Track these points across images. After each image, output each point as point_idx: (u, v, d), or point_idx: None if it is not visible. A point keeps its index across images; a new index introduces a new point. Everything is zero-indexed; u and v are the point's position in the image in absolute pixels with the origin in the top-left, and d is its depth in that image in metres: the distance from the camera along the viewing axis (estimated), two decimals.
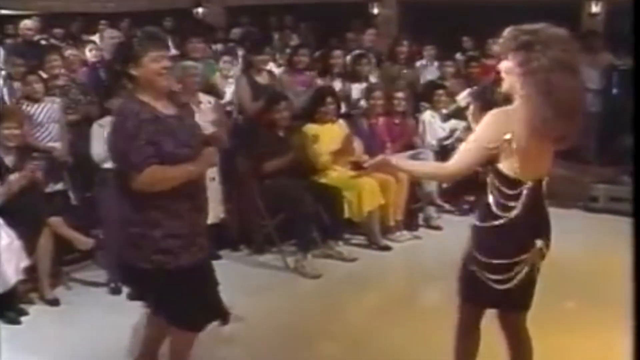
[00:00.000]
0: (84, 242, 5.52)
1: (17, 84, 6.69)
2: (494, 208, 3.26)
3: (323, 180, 6.58)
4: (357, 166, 6.88)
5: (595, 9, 11.28)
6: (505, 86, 3.24)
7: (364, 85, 7.61)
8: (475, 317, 3.50)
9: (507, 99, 3.26)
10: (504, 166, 3.22)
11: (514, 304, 3.43)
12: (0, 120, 5.48)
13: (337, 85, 7.52)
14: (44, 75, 6.62)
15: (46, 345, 4.82)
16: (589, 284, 5.70)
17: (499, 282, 3.28)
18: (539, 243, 3.36)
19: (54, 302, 5.40)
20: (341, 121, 6.93)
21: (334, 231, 6.57)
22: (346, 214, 6.48)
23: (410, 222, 7.13)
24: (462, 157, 3.27)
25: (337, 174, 6.61)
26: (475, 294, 3.41)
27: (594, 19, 11.34)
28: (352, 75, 7.81)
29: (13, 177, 5.34)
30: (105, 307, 5.45)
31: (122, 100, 3.70)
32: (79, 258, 5.93)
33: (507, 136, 3.14)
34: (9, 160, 5.45)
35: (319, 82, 7.44)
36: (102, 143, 5.57)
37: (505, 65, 3.20)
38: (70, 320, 5.22)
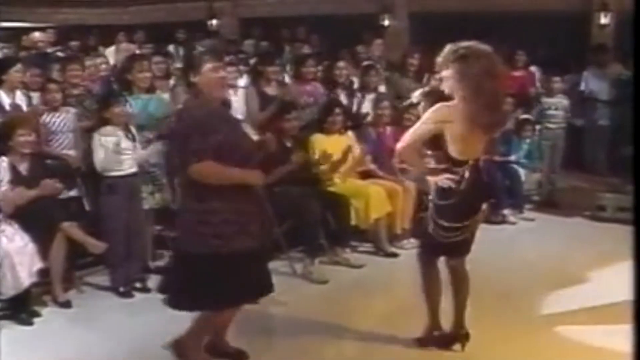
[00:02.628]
0: (96, 246, 5.61)
1: (33, 94, 6.81)
2: (446, 188, 4.23)
3: (331, 188, 6.65)
4: (366, 175, 6.98)
5: (604, 20, 11.33)
6: (446, 89, 4.20)
7: (372, 95, 7.68)
8: (432, 262, 4.59)
9: (447, 98, 4.22)
10: (452, 150, 4.19)
11: (457, 253, 4.53)
12: (15, 127, 5.56)
13: (342, 96, 7.58)
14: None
15: (58, 347, 4.91)
16: (596, 292, 5.75)
17: (447, 237, 4.33)
18: (484, 206, 4.43)
19: (66, 305, 5.51)
20: (350, 133, 7.00)
21: (341, 238, 6.64)
22: (353, 221, 6.56)
23: (417, 231, 7.17)
24: (410, 133, 4.27)
25: (345, 182, 6.68)
26: (430, 246, 4.51)
27: (604, 30, 11.39)
28: (360, 85, 7.88)
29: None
30: (117, 310, 5.56)
31: (186, 98, 4.23)
32: (92, 262, 6.04)
33: (448, 123, 4.12)
34: (23, 167, 5.54)
35: (325, 93, 7.50)
36: (104, 152, 5.72)
37: (446, 73, 4.15)
38: (82, 322, 5.32)
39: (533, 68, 10.61)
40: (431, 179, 4.33)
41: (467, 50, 4.09)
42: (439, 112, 4.16)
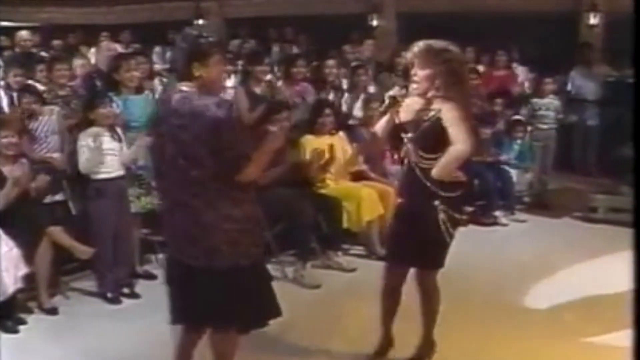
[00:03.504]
0: (83, 251, 5.48)
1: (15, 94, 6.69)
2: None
3: (322, 190, 6.56)
4: (358, 176, 6.89)
5: (593, 20, 11.32)
6: (421, 88, 4.11)
7: (362, 96, 7.61)
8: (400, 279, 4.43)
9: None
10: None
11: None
12: None
13: (332, 96, 7.53)
14: (42, 88, 6.67)
15: (44, 355, 4.81)
16: (588, 293, 5.73)
17: (453, 236, 4.30)
18: None
19: (53, 311, 5.39)
20: (341, 134, 6.92)
21: (333, 241, 6.58)
22: (345, 224, 6.49)
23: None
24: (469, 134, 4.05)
25: (336, 184, 6.60)
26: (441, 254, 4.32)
27: (592, 31, 11.38)
28: (350, 86, 7.81)
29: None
30: (104, 316, 5.44)
31: (194, 97, 3.49)
32: (78, 267, 5.91)
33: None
34: (7, 170, 5.40)
35: (314, 93, 7.42)
36: (89, 153, 5.59)
37: (424, 72, 4.06)
38: (69, 329, 5.20)
39: (522, 68, 10.60)
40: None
41: (450, 54, 4.08)
42: (460, 111, 4.07)
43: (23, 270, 5.13)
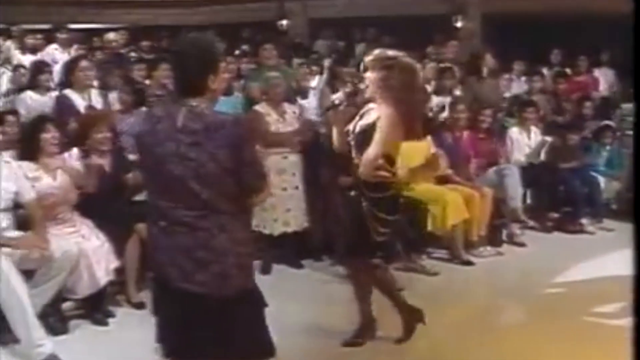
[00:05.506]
0: None
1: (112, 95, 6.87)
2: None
3: (408, 193, 6.47)
4: (442, 180, 6.82)
5: None
6: (368, 91, 4.47)
7: (448, 98, 7.53)
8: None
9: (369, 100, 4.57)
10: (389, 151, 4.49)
11: None
12: (89, 126, 5.60)
13: None
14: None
15: (131, 347, 4.91)
16: None
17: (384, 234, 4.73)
18: None
19: (140, 305, 5.46)
20: (428, 137, 6.82)
21: (418, 244, 6.52)
22: (430, 228, 6.43)
23: (493, 238, 7.04)
24: (379, 143, 4.32)
25: (422, 187, 6.52)
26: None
27: None
28: (436, 89, 7.73)
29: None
30: None
31: (206, 112, 3.13)
32: None
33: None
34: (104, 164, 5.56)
35: None
36: None
37: (370, 75, 4.41)
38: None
39: (610, 72, 10.33)
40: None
41: (393, 62, 4.36)
42: (393, 118, 4.32)
43: (114, 263, 5.27)
